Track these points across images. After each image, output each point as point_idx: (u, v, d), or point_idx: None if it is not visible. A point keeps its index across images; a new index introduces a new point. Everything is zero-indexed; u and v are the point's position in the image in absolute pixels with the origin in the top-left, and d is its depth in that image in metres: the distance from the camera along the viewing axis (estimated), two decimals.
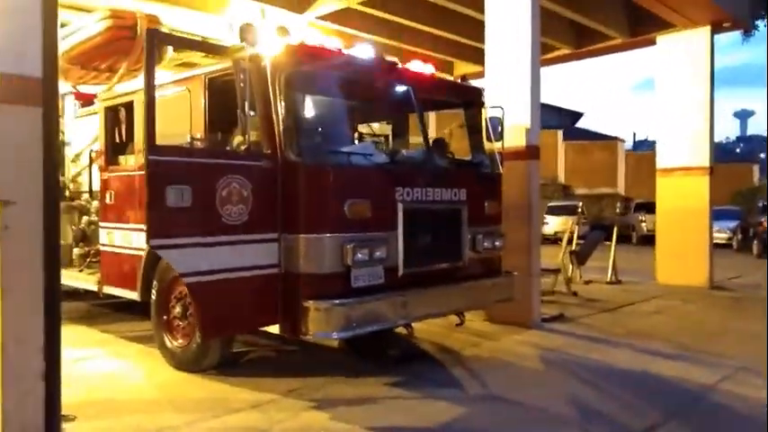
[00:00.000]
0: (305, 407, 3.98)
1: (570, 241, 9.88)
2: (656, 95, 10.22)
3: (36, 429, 3.08)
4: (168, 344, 4.76)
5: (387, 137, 6.07)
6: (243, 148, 3.78)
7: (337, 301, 3.95)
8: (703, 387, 4.52)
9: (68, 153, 6.75)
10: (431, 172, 4.68)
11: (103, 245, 5.54)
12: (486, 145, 5.62)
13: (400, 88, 4.85)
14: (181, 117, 4.70)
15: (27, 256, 3.08)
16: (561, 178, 25.27)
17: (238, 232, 3.91)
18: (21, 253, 3.05)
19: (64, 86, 7.45)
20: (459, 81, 5.63)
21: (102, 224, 5.59)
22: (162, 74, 5.11)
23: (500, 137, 5.76)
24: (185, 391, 4.27)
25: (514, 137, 6.41)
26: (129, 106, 5.49)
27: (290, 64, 4.10)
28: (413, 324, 5.94)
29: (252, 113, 3.81)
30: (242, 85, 3.70)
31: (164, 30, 6.20)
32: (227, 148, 4.16)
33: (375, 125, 6.17)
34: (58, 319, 3.20)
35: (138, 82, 5.32)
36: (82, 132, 6.62)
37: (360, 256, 4.09)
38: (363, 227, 4.19)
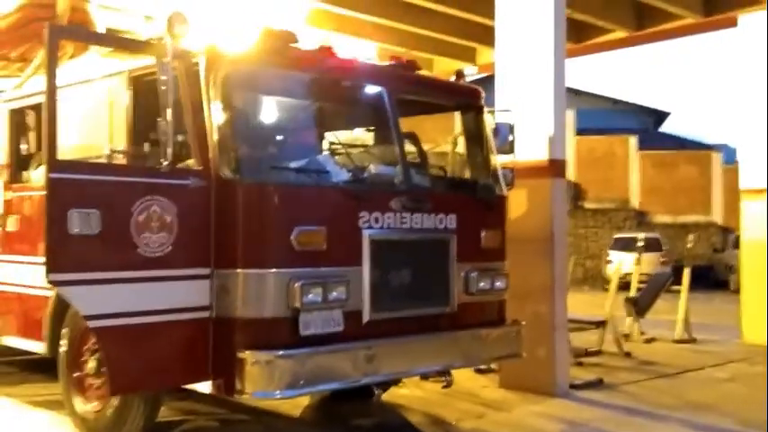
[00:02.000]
0: None
1: (627, 286, 10.22)
2: (737, 89, 10.62)
3: None
4: (79, 408, 5.19)
5: (367, 147, 6.55)
6: (165, 163, 4.27)
7: (281, 353, 4.38)
8: None
9: None
10: (408, 193, 5.13)
11: (2, 283, 6.04)
12: (490, 159, 6.06)
13: (371, 88, 5.34)
14: (99, 123, 5.23)
15: None
16: (635, 201, 25.53)
17: (159, 266, 4.38)
18: None
19: None
20: (455, 79, 6.10)
21: (1, 257, 6.10)
22: (80, 68, 5.68)
23: (510, 148, 6.21)
24: None
25: (532, 149, 6.85)
26: (38, 109, 6.03)
27: (227, 63, 4.61)
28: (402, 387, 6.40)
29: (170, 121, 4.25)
30: (164, 87, 4.19)
31: (90, 11, 6.84)
32: (148, 165, 4.64)
33: (354, 134, 6.67)
34: None
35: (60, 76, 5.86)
36: None
37: (311, 296, 4.53)
38: (316, 261, 4.64)
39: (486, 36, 9.56)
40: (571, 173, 25.34)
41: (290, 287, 4.50)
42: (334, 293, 4.65)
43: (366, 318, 4.88)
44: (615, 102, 39.20)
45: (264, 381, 4.38)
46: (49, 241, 4.09)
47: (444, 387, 5.60)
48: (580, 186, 25.50)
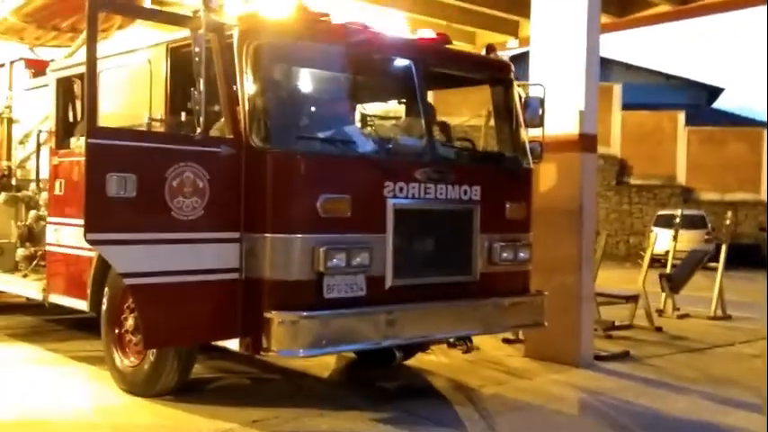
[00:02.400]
0: None
1: (661, 261, 10.23)
2: None
3: None
4: (119, 363, 5.53)
5: (398, 119, 6.72)
6: (199, 131, 4.50)
7: (305, 314, 4.62)
8: None
9: (16, 133, 7.71)
10: (433, 164, 5.29)
11: (50, 244, 6.40)
12: (518, 132, 6.17)
13: (400, 61, 5.49)
14: (140, 92, 5.50)
15: None
16: (681, 178, 25.17)
17: (191, 229, 4.63)
18: None
19: (15, 50, 8.46)
20: (485, 53, 6.20)
21: (49, 219, 6.46)
22: (127, 39, 5.94)
23: (540, 122, 6.30)
24: (131, 417, 5.03)
25: (563, 122, 6.93)
26: (84, 78, 6.33)
27: (261, 35, 4.81)
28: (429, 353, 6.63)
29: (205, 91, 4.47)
30: (197, 58, 4.41)
31: None
32: (182, 132, 4.89)
33: (388, 105, 6.84)
34: None
35: (105, 46, 6.14)
36: (33, 108, 7.55)
37: (335, 261, 4.74)
38: (341, 228, 4.85)
39: (529, 9, 9.59)
40: (617, 148, 25.15)
41: (315, 252, 4.72)
42: (358, 259, 4.86)
43: (388, 283, 5.08)
44: (668, 77, 38.49)
45: (289, 340, 4.63)
46: (88, 203, 4.37)
47: (465, 353, 5.79)
48: (626, 162, 25.25)
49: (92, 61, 4.30)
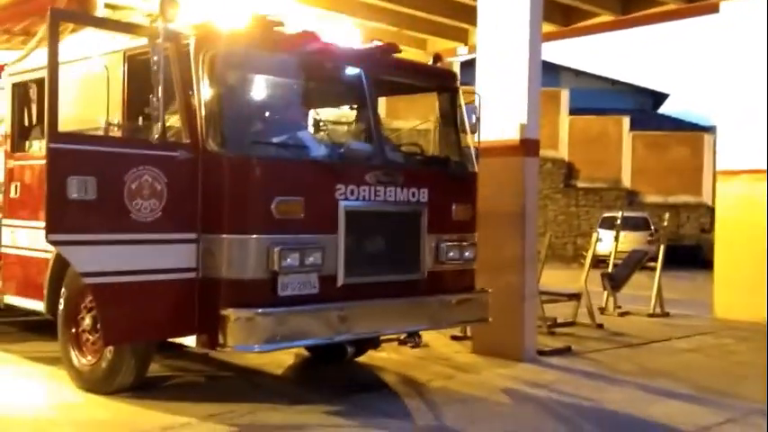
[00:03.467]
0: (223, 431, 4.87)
1: (605, 262, 10.68)
2: (718, 76, 11.02)
3: None
4: (76, 362, 5.67)
5: (350, 124, 6.98)
6: (156, 136, 4.70)
7: (260, 311, 4.85)
8: (697, 428, 5.32)
9: None
10: (382, 168, 5.57)
11: (5, 246, 6.49)
12: (463, 138, 6.49)
13: (350, 69, 5.76)
14: (97, 98, 5.65)
15: None
16: (627, 181, 25.96)
17: (150, 230, 4.82)
18: None
19: None
20: (432, 62, 6.51)
21: (4, 221, 6.55)
22: (79, 45, 6.06)
23: (474, 128, 6.61)
24: (89, 412, 5.19)
25: (507, 128, 7.29)
26: (41, 83, 6.43)
27: (217, 44, 5.02)
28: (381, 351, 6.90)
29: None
30: (156, 67, 4.61)
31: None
32: (141, 137, 5.08)
33: (339, 111, 7.09)
34: None
35: (61, 52, 6.24)
36: None
37: (288, 261, 4.98)
38: (295, 228, 5.09)
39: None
40: (564, 152, 25.83)
41: (270, 252, 4.95)
42: (311, 258, 5.10)
43: (340, 282, 5.33)
44: (614, 82, 39.52)
45: (245, 335, 4.85)
46: (50, 205, 4.54)
47: (412, 347, 6.07)
48: (573, 165, 25.93)
49: (53, 69, 4.47)
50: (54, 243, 4.66)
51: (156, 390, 5.73)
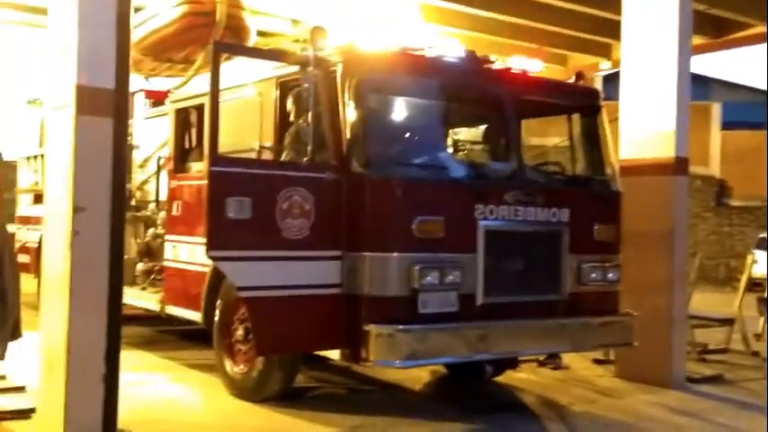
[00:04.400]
0: None
1: (762, 285, 10.08)
2: None
3: (94, 430, 4.43)
4: (229, 370, 6.04)
5: (488, 144, 7.04)
6: (306, 159, 4.97)
7: (401, 327, 4.98)
8: None
9: (136, 157, 8.45)
10: (522, 188, 5.59)
11: (168, 260, 7.02)
12: (607, 156, 6.40)
13: (492, 91, 5.83)
14: (251, 122, 6.03)
15: (94, 261, 4.47)
16: None
17: (298, 248, 5.09)
18: (88, 257, 4.44)
19: (135, 81, 9.24)
20: (574, 80, 6.47)
21: (167, 237, 7.09)
22: (233, 73, 6.50)
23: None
24: (242, 418, 5.52)
25: (655, 146, 7.09)
26: (200, 109, 6.95)
27: (362, 70, 5.25)
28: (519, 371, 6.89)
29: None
30: (306, 94, 4.89)
31: (244, 17, 7.67)
32: (290, 159, 5.37)
33: (478, 131, 7.18)
34: (119, 323, 4.58)
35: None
36: (151, 135, 8.28)
37: (429, 279, 5.10)
38: (435, 247, 5.20)
39: (620, 32, 9.76)
40: (716, 168, 24.53)
41: (411, 270, 5.09)
42: (450, 277, 5.20)
43: (479, 301, 5.39)
44: None
45: (386, 351, 5.01)
46: (210, 223, 4.90)
47: (552, 369, 6.01)
48: (725, 183, 24.57)
49: (214, 96, 4.84)
50: (213, 259, 5.02)
51: (302, 400, 6.00)
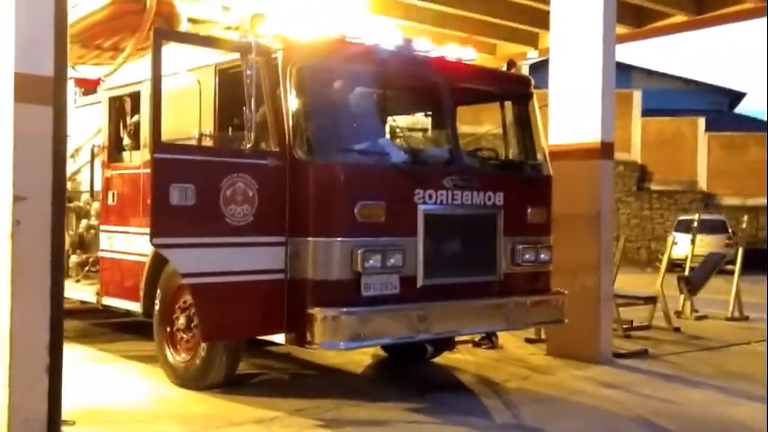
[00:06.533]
0: (310, 425, 5.15)
1: (681, 266, 10.61)
2: None
3: (39, 421, 4.42)
4: (171, 359, 6.06)
5: (425, 131, 7.24)
6: (248, 145, 5.04)
7: (345, 310, 5.12)
8: None
9: (68, 147, 8.27)
10: (459, 173, 5.79)
11: (104, 250, 6.96)
12: (538, 142, 6.67)
13: (428, 79, 6.00)
14: (190, 109, 6.04)
15: (36, 252, 4.44)
16: (702, 183, 25.45)
17: (242, 234, 5.16)
18: (30, 248, 4.41)
19: None
20: (506, 68, 6.70)
21: (102, 227, 7.02)
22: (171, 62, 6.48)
23: None
24: (187, 406, 5.55)
25: (582, 131, 7.41)
26: (135, 97, 6.91)
27: (302, 57, 5.34)
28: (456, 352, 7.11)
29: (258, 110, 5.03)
30: (248, 80, 4.96)
31: (175, 3, 7.62)
32: (234, 146, 5.43)
33: (414, 118, 7.36)
34: (61, 313, 4.57)
35: (145, 70, 6.68)
36: (82, 124, 8.13)
37: (371, 262, 5.25)
38: (376, 231, 5.35)
39: (548, 21, 10.07)
40: (637, 154, 25.48)
41: (354, 254, 5.23)
42: (392, 260, 5.36)
43: (420, 283, 5.57)
44: (688, 82, 38.73)
45: (331, 333, 5.14)
46: (153, 210, 4.92)
47: (488, 348, 6.25)
48: (646, 168, 25.57)
49: (156, 84, 4.86)
50: (157, 246, 5.05)
51: (246, 386, 6.07)
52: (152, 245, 5.01)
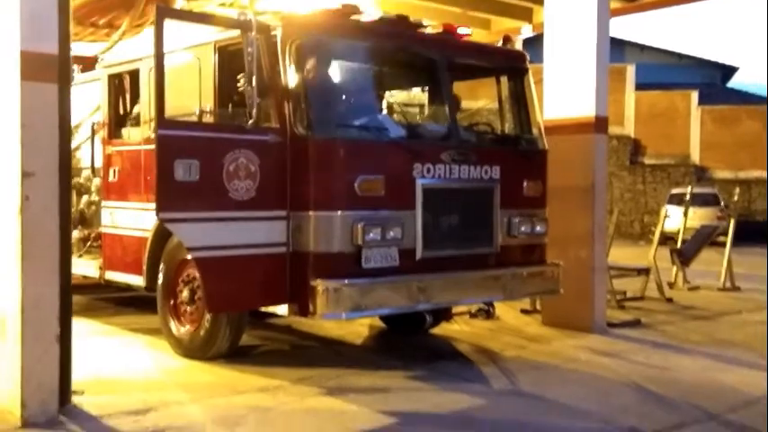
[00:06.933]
0: (314, 392, 5.31)
1: (674, 239, 10.78)
2: None
3: (51, 388, 4.56)
4: (175, 331, 6.20)
5: (422, 106, 7.35)
6: (250, 122, 5.14)
7: (347, 281, 5.26)
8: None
9: None
10: (456, 148, 5.91)
11: (105, 226, 7.06)
12: (534, 116, 6.78)
13: (425, 54, 6.09)
14: (189, 86, 6.12)
15: (44, 225, 4.55)
16: (695, 157, 25.62)
17: (245, 208, 5.28)
18: (38, 222, 4.52)
19: None
20: (501, 44, 6.79)
21: (104, 203, 7.12)
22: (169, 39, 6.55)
23: None
24: (192, 375, 5.70)
25: (576, 105, 7.52)
26: (134, 74, 6.97)
27: (301, 33, 5.42)
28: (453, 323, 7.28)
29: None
30: (249, 58, 5.04)
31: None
32: (236, 122, 5.53)
33: (411, 93, 7.47)
34: (69, 284, 4.70)
35: (144, 47, 6.74)
36: (81, 101, 8.17)
37: (371, 235, 5.38)
38: (376, 205, 5.47)
39: None
40: (630, 128, 25.62)
41: (354, 227, 5.36)
42: (391, 233, 5.49)
43: (419, 255, 5.71)
44: (681, 56, 38.77)
45: (332, 304, 5.28)
46: (159, 186, 5.02)
47: (485, 319, 6.41)
48: (639, 142, 25.72)
49: (159, 61, 4.94)
50: (163, 220, 5.17)
51: (249, 357, 6.22)
52: (158, 219, 5.12)
